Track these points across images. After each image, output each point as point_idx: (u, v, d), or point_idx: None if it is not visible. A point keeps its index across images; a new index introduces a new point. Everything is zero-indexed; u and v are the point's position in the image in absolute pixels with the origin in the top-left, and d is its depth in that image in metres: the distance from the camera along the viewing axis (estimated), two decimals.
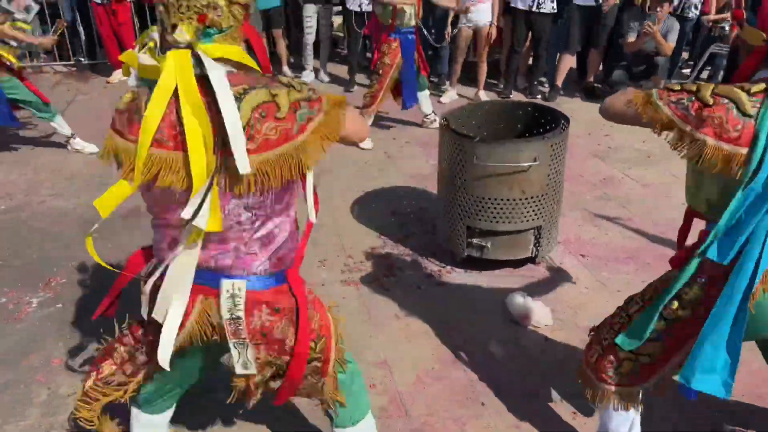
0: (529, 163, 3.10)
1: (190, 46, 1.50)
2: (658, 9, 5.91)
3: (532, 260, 3.49)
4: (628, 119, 1.78)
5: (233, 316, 1.63)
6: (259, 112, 1.50)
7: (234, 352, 1.68)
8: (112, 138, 1.57)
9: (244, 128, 1.48)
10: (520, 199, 3.20)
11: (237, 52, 1.57)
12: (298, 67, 7.34)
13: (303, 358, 1.74)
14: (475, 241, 3.37)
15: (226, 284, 1.63)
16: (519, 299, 3.09)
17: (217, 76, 1.48)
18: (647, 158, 5.07)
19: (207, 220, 1.51)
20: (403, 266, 3.56)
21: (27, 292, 3.32)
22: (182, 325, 1.65)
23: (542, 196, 3.23)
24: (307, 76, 7.07)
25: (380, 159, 5.12)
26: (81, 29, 7.52)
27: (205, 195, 1.49)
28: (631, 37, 6.10)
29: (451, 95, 6.47)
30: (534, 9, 6.14)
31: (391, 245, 3.79)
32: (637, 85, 6.49)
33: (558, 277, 3.44)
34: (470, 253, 3.42)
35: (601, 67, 6.89)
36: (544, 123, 3.54)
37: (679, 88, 1.69)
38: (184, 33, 1.49)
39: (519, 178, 3.15)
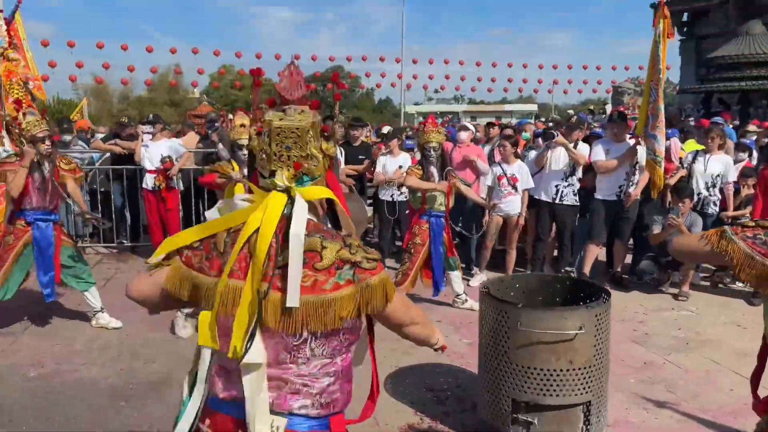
0: (575, 332, 3.05)
1: (287, 190, 1.63)
2: (680, 204, 6.18)
3: None
4: (702, 255, 1.80)
5: None
6: (302, 258, 1.55)
7: None
8: (184, 272, 1.65)
9: None
10: (568, 370, 3.09)
11: (324, 190, 1.68)
12: None
13: None
14: (521, 416, 3.20)
15: None
16: None
17: (301, 215, 1.58)
18: (686, 345, 4.95)
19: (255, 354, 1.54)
20: None
21: None
22: None
23: (590, 367, 3.13)
24: None
25: None
26: (128, 214, 7.99)
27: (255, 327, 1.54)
28: (656, 229, 6.30)
29: (480, 278, 6.56)
30: (557, 201, 6.48)
31: (428, 422, 3.60)
32: (665, 275, 6.59)
33: None
34: (516, 430, 3.23)
35: (630, 258, 7.02)
36: (583, 297, 3.55)
37: (753, 224, 1.73)
38: (283, 178, 1.63)
39: (565, 347, 3.08)
